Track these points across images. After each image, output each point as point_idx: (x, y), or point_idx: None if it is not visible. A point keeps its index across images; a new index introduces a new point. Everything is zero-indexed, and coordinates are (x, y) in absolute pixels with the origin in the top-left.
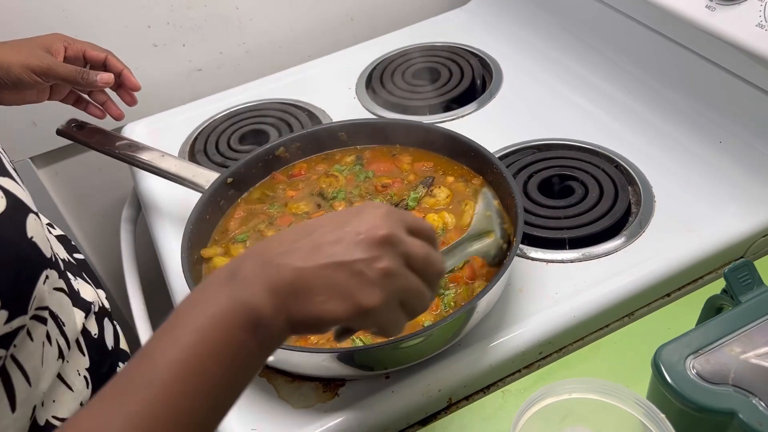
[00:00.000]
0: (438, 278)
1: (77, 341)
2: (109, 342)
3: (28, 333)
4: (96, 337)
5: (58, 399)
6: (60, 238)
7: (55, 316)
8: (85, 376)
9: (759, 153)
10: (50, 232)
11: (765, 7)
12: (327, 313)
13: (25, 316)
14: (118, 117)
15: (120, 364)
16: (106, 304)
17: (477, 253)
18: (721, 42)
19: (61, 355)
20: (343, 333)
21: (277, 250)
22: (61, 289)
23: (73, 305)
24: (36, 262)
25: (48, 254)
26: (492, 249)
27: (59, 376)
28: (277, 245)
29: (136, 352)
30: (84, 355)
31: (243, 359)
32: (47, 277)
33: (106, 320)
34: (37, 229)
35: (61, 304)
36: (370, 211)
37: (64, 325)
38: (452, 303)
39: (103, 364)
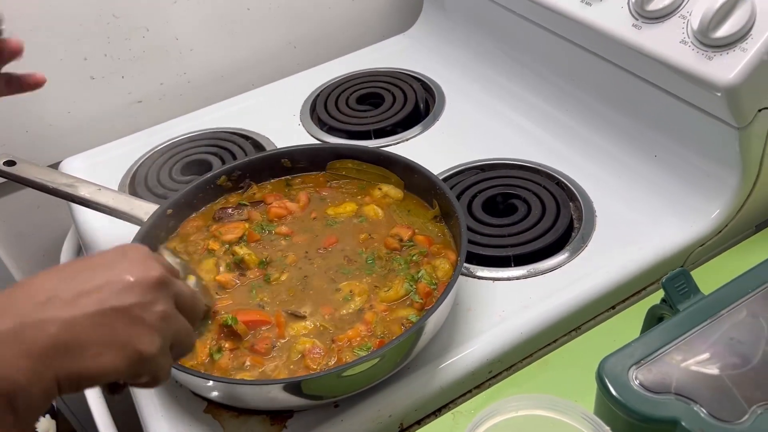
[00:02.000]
0: (201, 316)
1: None
2: None
3: None
4: None
5: None
6: None
7: None
8: None
9: (692, 166)
10: None
11: (687, 25)
12: (104, 366)
13: None
14: (41, 81)
15: None
16: None
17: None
18: (648, 59)
19: None
20: (115, 387)
21: (32, 301)
22: None
23: None
24: None
25: None
26: (197, 287)
27: None
28: (30, 296)
29: None
30: None
31: None
32: None
33: None
34: None
35: None
36: (135, 252)
37: None
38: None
39: None
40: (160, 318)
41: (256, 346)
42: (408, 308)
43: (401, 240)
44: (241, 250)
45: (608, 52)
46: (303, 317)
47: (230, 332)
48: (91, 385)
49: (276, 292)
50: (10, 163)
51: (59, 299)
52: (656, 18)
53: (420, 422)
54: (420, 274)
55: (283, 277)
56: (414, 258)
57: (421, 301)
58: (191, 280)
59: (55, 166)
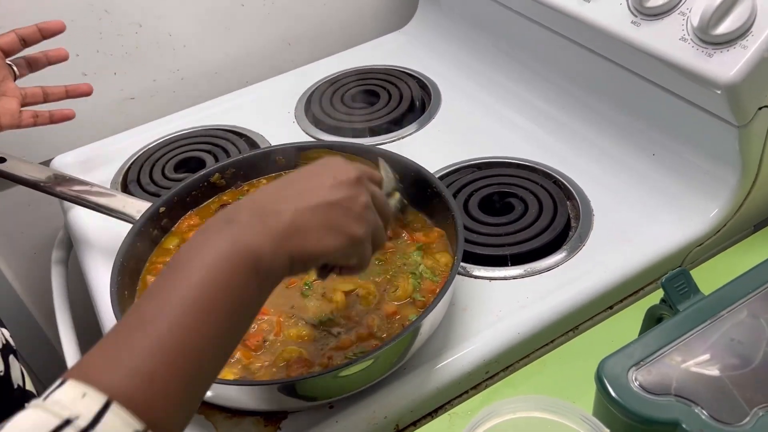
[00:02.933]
0: (389, 216)
1: None
2: (17, 380)
3: None
4: (1, 374)
5: None
6: None
7: None
8: None
9: (691, 164)
10: None
11: (687, 21)
12: (325, 247)
13: None
14: (89, 89)
15: (26, 405)
16: (12, 343)
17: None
18: (647, 56)
19: None
20: (324, 269)
21: (269, 199)
22: None
23: None
24: None
25: None
26: (399, 204)
27: None
28: (266, 197)
29: (140, 298)
30: None
31: (245, 297)
32: None
33: (12, 357)
34: None
35: None
36: (335, 161)
37: None
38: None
39: (8, 402)
40: (364, 208)
41: (248, 341)
42: (410, 308)
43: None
44: None
45: (606, 50)
46: (336, 336)
47: None
48: (314, 263)
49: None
50: (1, 160)
51: (288, 198)
52: (655, 15)
53: (416, 423)
54: (420, 270)
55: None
56: (413, 255)
57: (423, 299)
58: (396, 197)
59: (46, 163)
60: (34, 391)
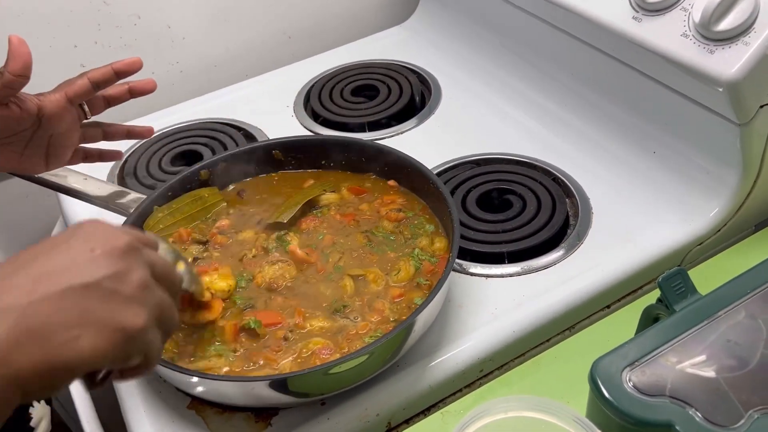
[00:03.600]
0: (178, 290)
1: None
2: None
3: None
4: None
5: None
6: None
7: None
8: None
9: (692, 162)
10: None
11: (689, 17)
12: (81, 352)
13: None
14: (150, 133)
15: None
16: None
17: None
18: (649, 52)
19: None
20: (94, 379)
21: None
22: None
23: None
24: None
25: None
26: (187, 275)
27: None
28: None
29: None
30: None
31: None
32: None
33: None
34: None
35: None
36: (92, 226)
37: None
38: None
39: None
40: (139, 287)
41: (271, 345)
42: (416, 291)
43: (399, 210)
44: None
45: (607, 45)
46: (354, 321)
47: (248, 333)
48: (67, 377)
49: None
50: None
51: (17, 288)
52: (657, 10)
53: (408, 422)
54: (415, 253)
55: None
56: (408, 235)
57: (427, 282)
58: (181, 267)
59: None
60: None
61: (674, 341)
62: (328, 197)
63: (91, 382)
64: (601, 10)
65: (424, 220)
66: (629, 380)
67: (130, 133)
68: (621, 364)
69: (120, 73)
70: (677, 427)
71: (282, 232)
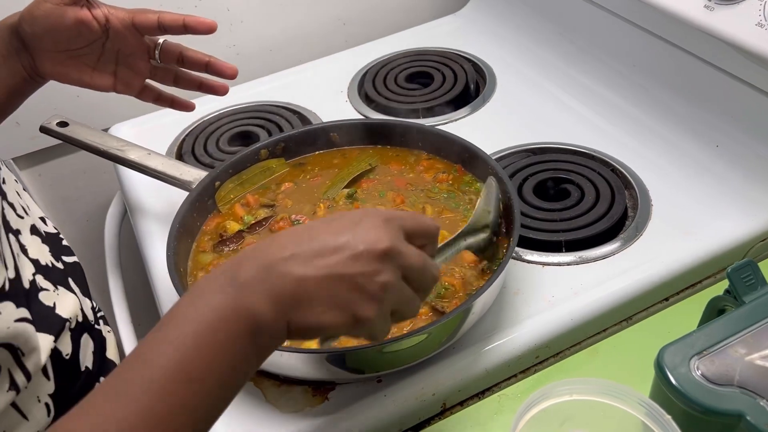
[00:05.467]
0: (432, 286)
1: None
2: (85, 361)
3: None
4: (68, 357)
5: (10, 429)
6: (49, 237)
7: (12, 348)
8: (46, 403)
9: (757, 156)
10: (37, 234)
11: (765, 6)
12: (324, 323)
13: None
14: (224, 91)
15: (101, 378)
16: (90, 316)
17: (469, 247)
18: (719, 42)
19: (13, 386)
20: (329, 339)
21: (279, 254)
22: (23, 319)
23: (39, 330)
24: None
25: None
26: (484, 242)
27: (13, 405)
28: (277, 249)
29: (129, 354)
30: (48, 380)
31: (240, 363)
32: None
33: (86, 336)
34: None
35: (21, 334)
36: (370, 220)
37: (23, 355)
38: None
39: (73, 386)
40: (381, 288)
41: None
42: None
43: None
44: None
45: (675, 36)
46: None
47: None
48: (313, 336)
49: None
50: (63, 124)
51: (300, 257)
52: None
53: (462, 404)
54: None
55: None
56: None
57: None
58: (482, 236)
59: (104, 131)
60: (117, 359)
61: (743, 333)
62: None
63: (323, 341)
64: None
65: (470, 178)
66: (697, 369)
67: (202, 86)
68: (689, 353)
69: (188, 27)
70: (748, 418)
71: (352, 190)
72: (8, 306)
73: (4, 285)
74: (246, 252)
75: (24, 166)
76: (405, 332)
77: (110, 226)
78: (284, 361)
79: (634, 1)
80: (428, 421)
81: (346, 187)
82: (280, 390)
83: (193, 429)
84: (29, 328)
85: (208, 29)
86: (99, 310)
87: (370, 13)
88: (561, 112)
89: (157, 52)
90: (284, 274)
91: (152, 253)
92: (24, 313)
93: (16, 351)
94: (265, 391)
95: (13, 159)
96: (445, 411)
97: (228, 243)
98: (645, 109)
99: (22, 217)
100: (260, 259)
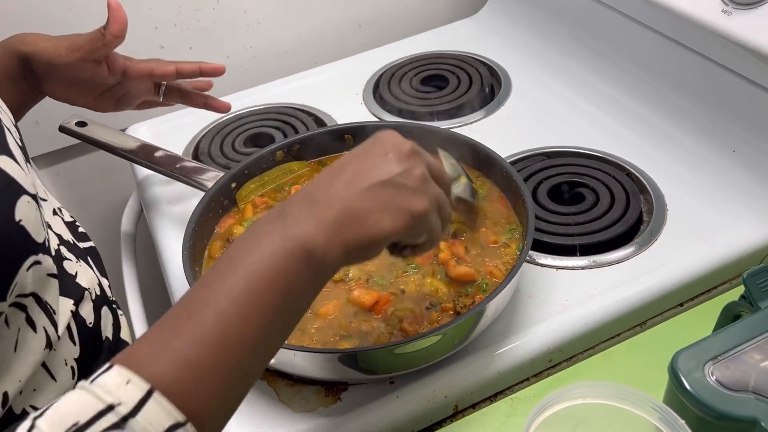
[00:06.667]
0: (448, 188)
1: (69, 329)
2: (106, 332)
3: (6, 320)
4: (91, 326)
5: (39, 388)
6: (67, 224)
7: (44, 304)
8: (72, 367)
9: None
10: (58, 216)
11: None
12: (384, 229)
13: (3, 303)
14: (226, 109)
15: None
16: (108, 293)
17: (456, 196)
18: (736, 47)
19: (48, 344)
20: (395, 248)
21: (318, 189)
22: (54, 275)
23: (63, 293)
24: (21, 246)
25: (39, 239)
26: (466, 190)
27: (44, 365)
28: (315, 188)
29: (194, 284)
30: (74, 344)
31: (297, 291)
32: (36, 263)
33: (105, 309)
34: (29, 212)
35: (53, 290)
36: (386, 135)
37: (55, 313)
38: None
39: (96, 354)
40: (420, 180)
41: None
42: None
43: None
44: None
45: (692, 40)
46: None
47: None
48: (375, 248)
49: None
50: (82, 123)
51: (338, 185)
52: (749, 3)
53: (475, 406)
54: None
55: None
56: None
57: None
58: (462, 181)
59: (121, 131)
60: (129, 340)
61: (759, 338)
62: None
63: (394, 252)
64: (687, 3)
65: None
66: (711, 374)
67: (207, 106)
68: (703, 358)
69: (204, 73)
70: (762, 424)
71: None
72: (45, 259)
73: (44, 242)
74: (290, 197)
75: (43, 166)
76: (419, 333)
77: (126, 226)
78: (297, 361)
79: (650, 5)
80: (440, 423)
81: None
82: (293, 389)
83: (251, 353)
84: (56, 286)
85: (221, 73)
86: (113, 297)
87: (386, 16)
88: (576, 116)
89: (161, 89)
90: (329, 200)
91: (168, 254)
92: (55, 269)
93: (47, 307)
94: (279, 390)
95: (32, 158)
96: (457, 413)
97: None
98: (661, 113)
99: (45, 200)
100: (302, 197)
